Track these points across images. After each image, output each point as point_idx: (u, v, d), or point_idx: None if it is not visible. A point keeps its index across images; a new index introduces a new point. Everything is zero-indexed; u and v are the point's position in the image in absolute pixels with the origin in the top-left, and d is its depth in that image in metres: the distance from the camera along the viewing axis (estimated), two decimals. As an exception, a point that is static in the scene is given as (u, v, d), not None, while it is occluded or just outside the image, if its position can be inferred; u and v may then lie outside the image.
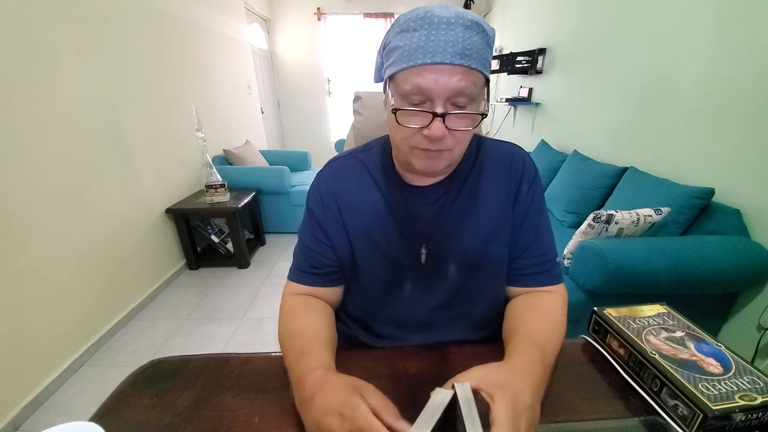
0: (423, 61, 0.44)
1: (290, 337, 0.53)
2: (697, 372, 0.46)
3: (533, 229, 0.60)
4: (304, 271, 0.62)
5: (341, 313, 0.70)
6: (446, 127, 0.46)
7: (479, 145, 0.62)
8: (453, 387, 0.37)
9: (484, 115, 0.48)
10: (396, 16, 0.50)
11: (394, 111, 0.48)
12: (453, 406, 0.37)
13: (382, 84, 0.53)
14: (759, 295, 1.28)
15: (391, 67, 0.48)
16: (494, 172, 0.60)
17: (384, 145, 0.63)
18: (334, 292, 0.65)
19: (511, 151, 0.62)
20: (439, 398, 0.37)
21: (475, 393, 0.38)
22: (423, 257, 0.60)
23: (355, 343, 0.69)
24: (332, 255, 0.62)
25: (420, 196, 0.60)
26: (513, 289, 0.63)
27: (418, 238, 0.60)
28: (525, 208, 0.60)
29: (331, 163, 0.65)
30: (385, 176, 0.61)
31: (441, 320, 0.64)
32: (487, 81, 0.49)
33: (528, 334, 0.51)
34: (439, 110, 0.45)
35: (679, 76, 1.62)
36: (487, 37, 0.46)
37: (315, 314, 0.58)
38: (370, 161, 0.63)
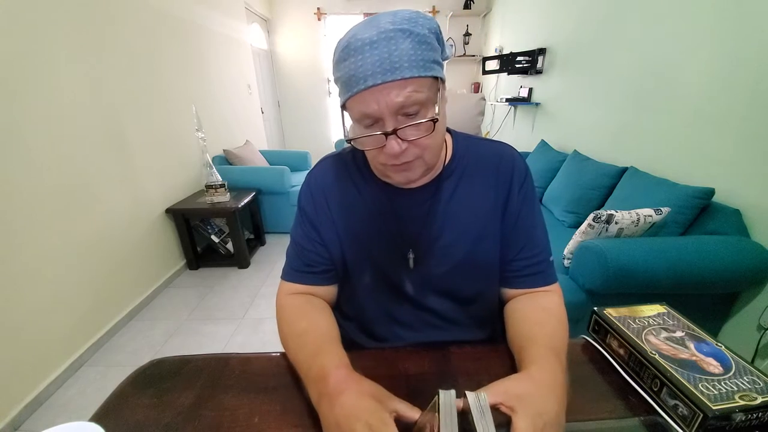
0: (358, 89, 0.44)
1: (299, 334, 0.53)
2: (697, 372, 0.46)
3: (526, 230, 0.60)
4: (299, 271, 0.62)
5: (336, 314, 0.70)
6: (403, 140, 0.47)
7: (468, 145, 0.62)
8: (464, 395, 0.37)
9: (434, 120, 0.47)
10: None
11: (349, 141, 0.50)
12: (465, 414, 0.36)
13: None
14: (759, 295, 1.28)
15: (339, 98, 0.50)
16: (483, 173, 0.60)
17: None
18: (330, 291, 0.65)
19: (500, 151, 0.62)
20: (447, 398, 0.36)
21: (495, 408, 0.38)
22: (411, 261, 0.60)
23: (351, 345, 0.68)
24: (326, 253, 0.62)
25: (407, 199, 0.59)
26: (509, 291, 0.63)
27: (406, 242, 0.60)
28: (516, 210, 0.59)
29: (321, 162, 0.65)
30: (373, 178, 0.61)
31: (434, 322, 0.63)
32: (436, 78, 0.47)
33: (544, 341, 0.50)
34: (389, 128, 0.46)
35: (679, 76, 1.62)
36: (419, 36, 0.44)
37: (321, 313, 0.58)
38: (359, 162, 0.62)
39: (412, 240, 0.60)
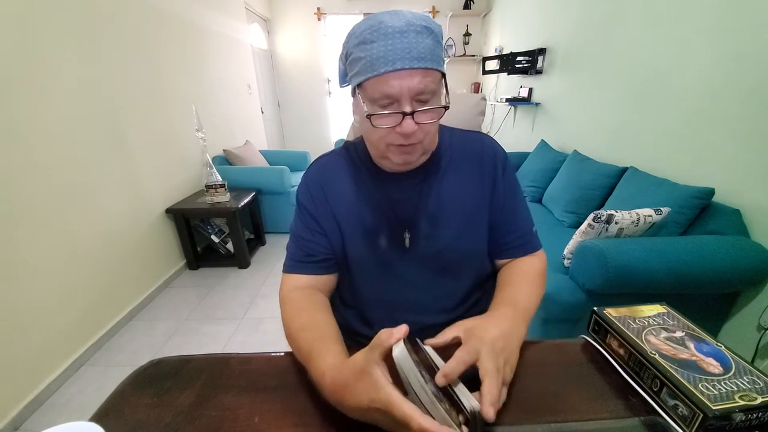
0: (386, 69, 0.49)
1: (297, 331, 0.55)
2: (697, 372, 0.45)
3: (513, 209, 0.68)
4: (299, 261, 0.66)
5: (338, 302, 0.74)
6: (416, 122, 0.52)
7: (452, 135, 0.69)
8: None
9: (446, 108, 0.54)
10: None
11: (369, 116, 0.53)
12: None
13: (348, 88, 0.59)
14: (759, 295, 1.28)
15: (356, 76, 0.53)
16: (468, 159, 0.67)
17: (361, 143, 0.68)
18: (330, 280, 0.69)
19: (481, 139, 0.70)
20: (400, 353, 0.40)
21: (454, 344, 0.48)
22: (407, 241, 0.66)
23: (348, 331, 0.71)
24: (326, 243, 0.66)
25: (399, 183, 0.65)
26: (499, 261, 0.71)
27: (402, 223, 0.65)
28: (503, 192, 0.67)
29: (316, 161, 0.71)
30: (367, 168, 0.67)
31: (430, 300, 0.68)
32: (443, 75, 0.55)
33: (502, 296, 0.61)
34: (408, 109, 0.51)
35: (679, 76, 1.62)
36: (436, 36, 0.52)
37: (319, 309, 0.60)
38: (352, 156, 0.69)
39: (407, 221, 0.65)
